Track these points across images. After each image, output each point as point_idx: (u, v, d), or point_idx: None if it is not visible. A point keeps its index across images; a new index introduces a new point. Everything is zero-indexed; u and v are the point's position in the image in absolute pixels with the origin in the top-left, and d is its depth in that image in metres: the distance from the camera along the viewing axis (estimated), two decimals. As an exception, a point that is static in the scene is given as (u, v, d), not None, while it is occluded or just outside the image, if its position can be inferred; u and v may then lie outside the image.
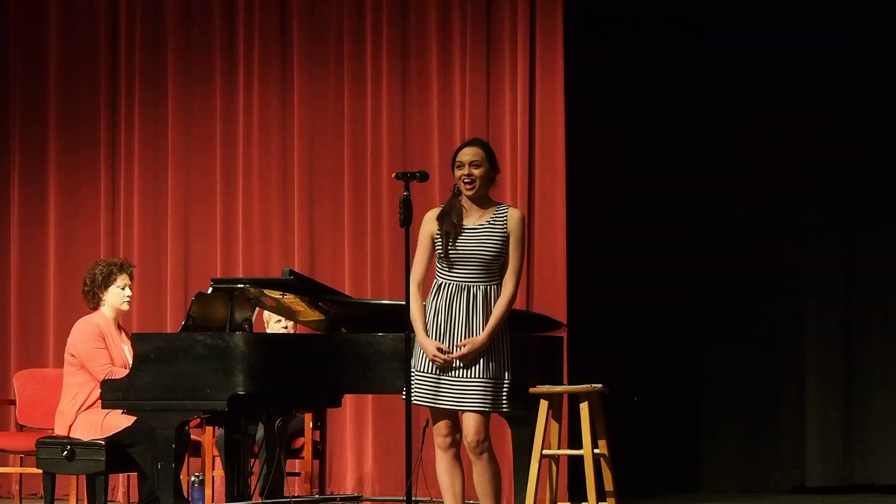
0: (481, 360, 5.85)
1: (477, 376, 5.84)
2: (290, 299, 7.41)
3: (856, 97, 9.36)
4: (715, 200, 9.62)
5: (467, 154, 5.94)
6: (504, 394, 5.89)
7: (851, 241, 9.45)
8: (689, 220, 9.60)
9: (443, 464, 5.95)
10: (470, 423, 5.88)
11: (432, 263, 6.02)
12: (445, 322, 5.89)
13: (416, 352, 5.94)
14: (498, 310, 5.89)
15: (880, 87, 9.34)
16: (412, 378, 5.92)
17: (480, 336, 5.84)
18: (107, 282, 7.50)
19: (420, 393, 5.90)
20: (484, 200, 5.96)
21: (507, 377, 5.91)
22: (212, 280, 7.40)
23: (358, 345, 7.01)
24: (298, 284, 7.26)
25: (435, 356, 5.84)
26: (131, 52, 9.88)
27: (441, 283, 5.94)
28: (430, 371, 5.87)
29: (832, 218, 9.48)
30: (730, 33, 9.58)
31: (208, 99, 9.74)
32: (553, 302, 8.78)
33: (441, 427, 5.92)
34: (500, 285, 5.93)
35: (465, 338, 5.85)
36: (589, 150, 9.25)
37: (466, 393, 5.84)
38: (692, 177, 9.63)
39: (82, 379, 7.38)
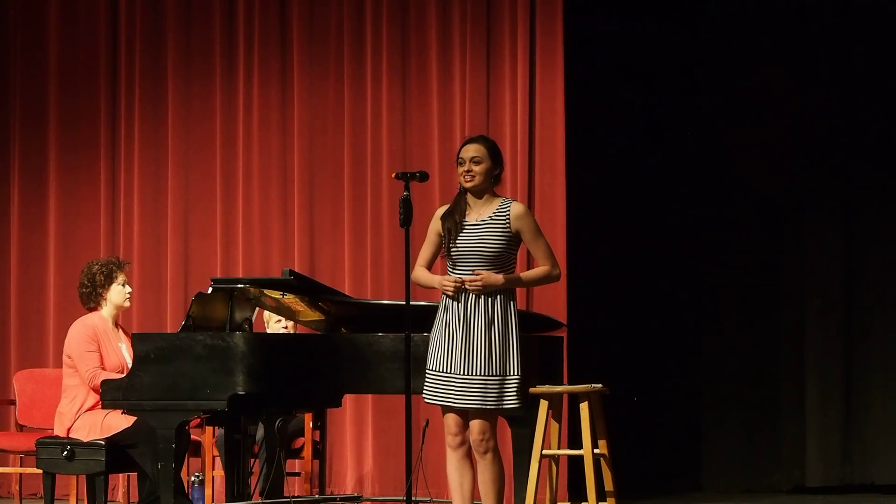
0: (485, 357, 5.86)
1: (481, 373, 5.87)
2: (290, 299, 7.41)
3: (856, 97, 9.36)
4: (715, 200, 9.62)
5: (468, 151, 6.00)
6: (510, 391, 5.89)
7: (851, 241, 9.45)
8: (688, 220, 9.60)
9: (452, 463, 5.97)
10: (474, 420, 5.91)
11: (438, 260, 6.08)
12: (450, 318, 5.91)
13: (428, 353, 5.97)
14: (534, 271, 6.02)
15: (880, 86, 9.33)
16: (425, 378, 5.95)
17: (498, 276, 5.89)
18: (109, 280, 7.52)
19: (430, 392, 5.92)
20: (487, 196, 6.00)
21: (513, 373, 5.91)
22: (212, 280, 7.40)
23: (358, 345, 7.01)
24: (298, 284, 7.26)
25: (446, 285, 5.91)
26: (131, 52, 9.88)
27: None
28: (438, 370, 5.90)
29: (832, 218, 9.48)
30: (730, 33, 9.58)
31: (208, 99, 9.74)
32: (553, 302, 8.78)
33: (450, 425, 5.94)
34: None
35: (464, 334, 5.88)
36: (589, 150, 9.26)
37: (471, 390, 5.86)
38: (692, 176, 9.63)
39: (80, 381, 7.38)
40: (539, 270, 6.03)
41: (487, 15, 9.24)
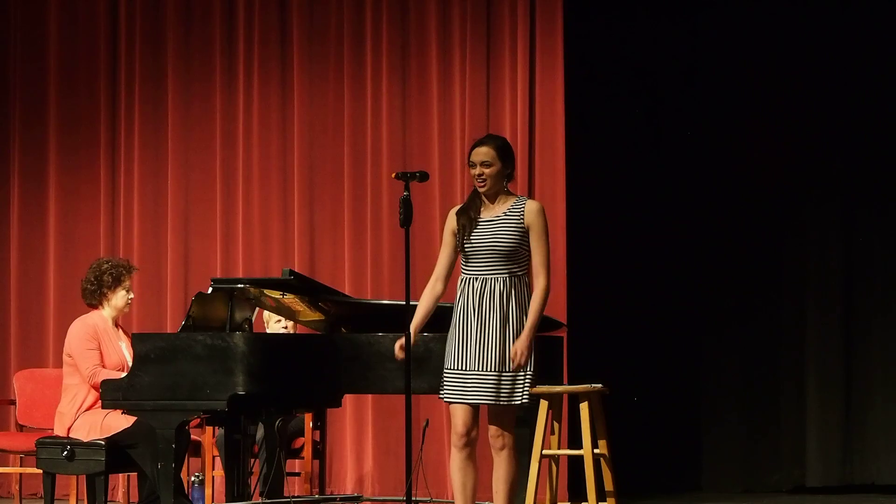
0: (499, 353, 5.86)
1: (495, 369, 5.86)
2: (290, 299, 7.41)
3: (856, 96, 9.36)
4: (715, 200, 9.62)
5: (478, 154, 5.99)
6: (521, 387, 5.89)
7: (851, 240, 9.44)
8: (688, 220, 9.60)
9: (456, 462, 5.96)
10: (491, 416, 5.92)
11: (457, 261, 6.05)
12: (465, 315, 5.92)
13: (446, 352, 5.96)
14: (534, 306, 5.92)
15: (880, 86, 9.33)
16: (444, 377, 5.96)
17: (520, 340, 5.86)
18: (116, 283, 7.51)
19: (444, 390, 5.94)
20: (502, 195, 6.00)
21: (524, 369, 5.90)
22: (212, 280, 7.40)
23: (358, 345, 7.02)
24: (298, 284, 7.27)
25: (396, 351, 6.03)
26: (131, 52, 9.88)
27: (462, 278, 5.98)
28: (453, 367, 5.90)
29: (832, 218, 9.48)
30: (730, 33, 9.58)
31: (208, 99, 9.74)
32: (553, 302, 8.68)
33: (458, 424, 5.93)
34: (521, 278, 5.94)
35: (478, 330, 5.87)
36: (589, 150, 9.26)
37: (484, 386, 5.86)
38: (692, 177, 9.63)
39: (80, 380, 7.38)
40: (538, 298, 5.92)
41: (487, 15, 9.24)
